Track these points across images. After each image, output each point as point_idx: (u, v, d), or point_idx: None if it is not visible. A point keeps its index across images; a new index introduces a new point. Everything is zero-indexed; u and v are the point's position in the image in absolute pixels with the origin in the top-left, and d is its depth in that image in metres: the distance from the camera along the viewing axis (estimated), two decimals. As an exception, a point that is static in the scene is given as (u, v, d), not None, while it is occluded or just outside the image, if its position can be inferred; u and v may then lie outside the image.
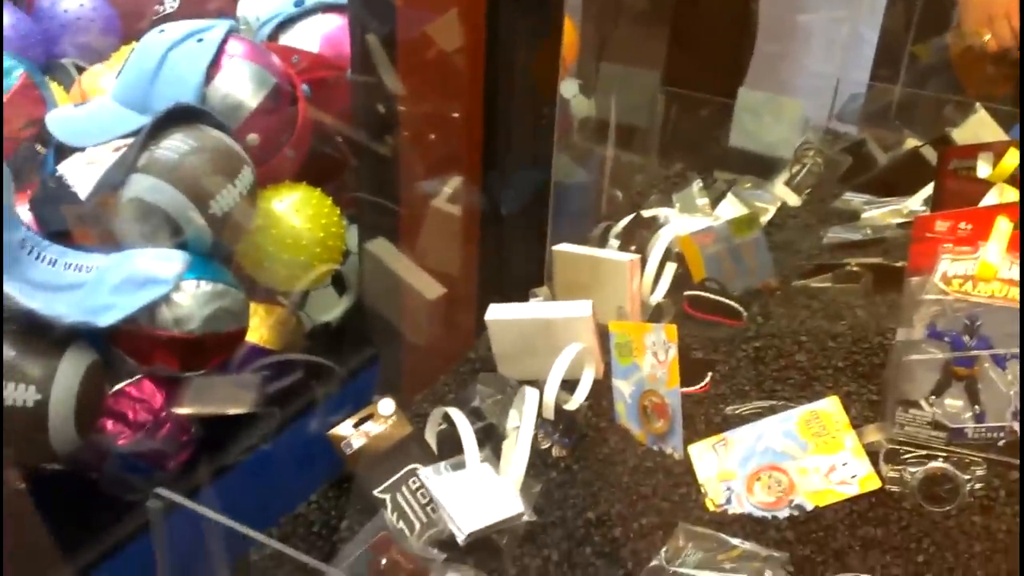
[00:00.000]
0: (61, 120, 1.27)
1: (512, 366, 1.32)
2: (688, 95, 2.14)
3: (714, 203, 1.84)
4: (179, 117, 1.18)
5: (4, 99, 1.27)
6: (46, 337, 1.03)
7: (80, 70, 1.55)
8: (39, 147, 1.32)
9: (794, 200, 1.85)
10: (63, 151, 1.26)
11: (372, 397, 1.21)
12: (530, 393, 1.19)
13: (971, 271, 0.96)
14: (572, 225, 1.72)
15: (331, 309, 1.45)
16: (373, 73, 1.47)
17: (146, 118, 1.23)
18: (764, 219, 1.77)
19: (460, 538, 1.03)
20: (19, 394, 0.99)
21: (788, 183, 1.88)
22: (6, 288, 0.99)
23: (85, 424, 1.05)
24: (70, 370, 1.02)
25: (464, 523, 1.04)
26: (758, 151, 2.08)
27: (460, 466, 1.14)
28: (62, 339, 1.04)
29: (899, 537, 0.95)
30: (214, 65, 1.25)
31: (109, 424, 1.13)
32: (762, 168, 1.98)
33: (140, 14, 1.69)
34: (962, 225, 0.98)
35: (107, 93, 1.31)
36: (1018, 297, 0.94)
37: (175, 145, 1.15)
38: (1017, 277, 0.94)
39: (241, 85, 1.27)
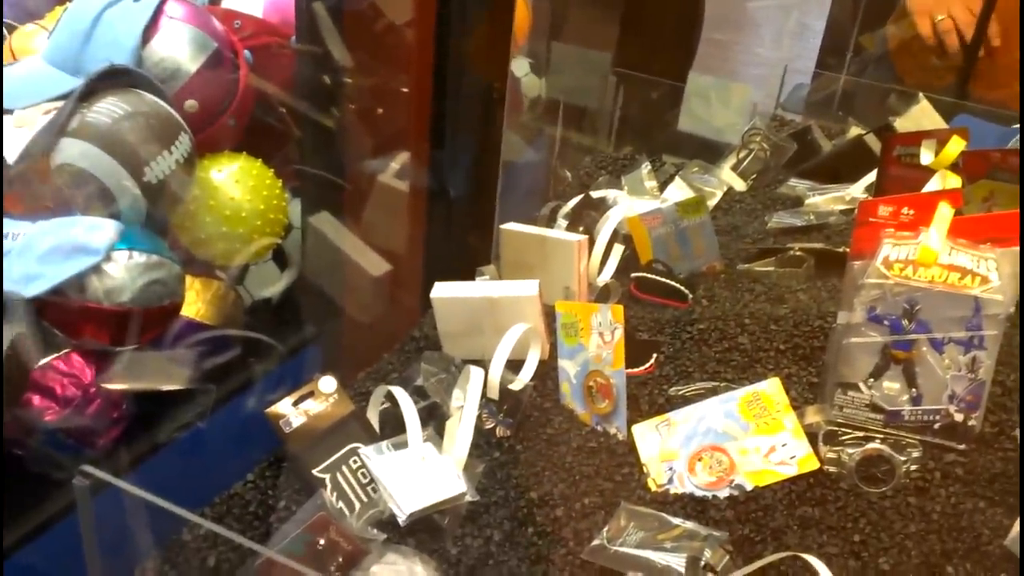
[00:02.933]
0: (-13, 80, 1.20)
1: (457, 345, 1.31)
2: (639, 77, 2.14)
3: (662, 186, 1.85)
4: (113, 80, 1.13)
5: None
6: (-33, 306, 0.98)
7: (11, 30, 1.48)
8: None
9: (740, 185, 1.87)
10: (-11, 113, 1.20)
11: (313, 375, 1.19)
12: (475, 372, 1.18)
13: (912, 256, 0.97)
14: (520, 204, 1.71)
15: (272, 284, 1.42)
16: (319, 42, 1.43)
17: (78, 80, 1.17)
18: (711, 203, 1.78)
19: (401, 519, 1.01)
20: (-64, 366, 0.94)
21: (735, 168, 1.90)
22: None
23: (9, 398, 1.01)
24: (-8, 341, 0.98)
25: (405, 503, 1.02)
26: (706, 136, 2.10)
27: (402, 445, 1.12)
28: (-15, 309, 0.99)
29: (836, 517, 0.96)
30: (151, 27, 1.20)
31: (36, 399, 1.08)
32: (710, 153, 1.99)
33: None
34: (905, 210, 0.99)
35: (38, 53, 1.25)
36: (956, 282, 0.95)
37: (108, 109, 1.11)
38: (957, 263, 0.95)
39: (179, 48, 1.23)
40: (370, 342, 1.36)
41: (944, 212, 0.96)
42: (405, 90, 1.46)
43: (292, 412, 1.13)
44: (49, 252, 1.04)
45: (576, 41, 2.20)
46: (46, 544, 1.05)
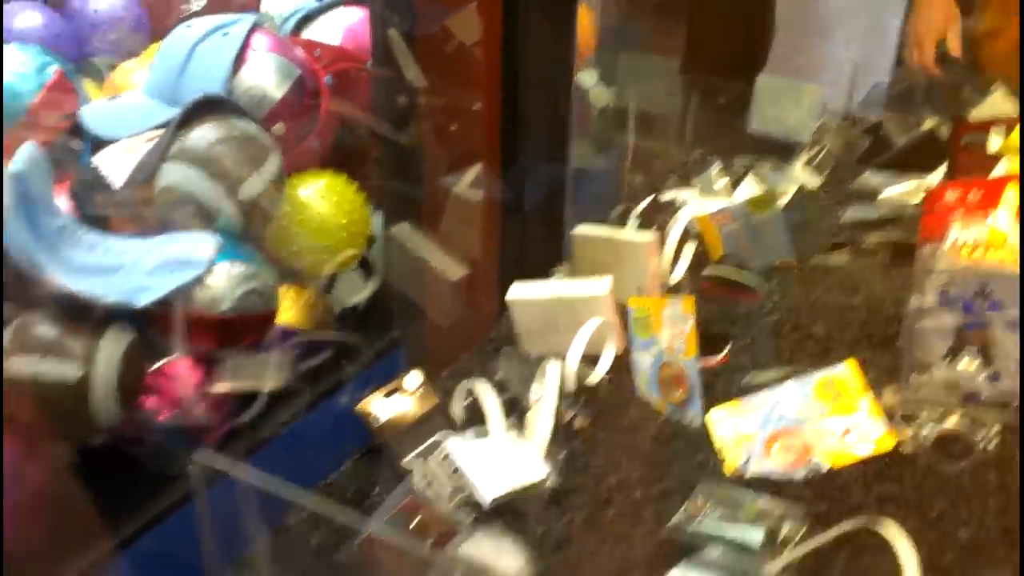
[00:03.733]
0: (95, 113, 1.32)
1: (534, 343, 1.36)
2: (707, 81, 2.16)
3: (733, 185, 1.86)
4: (207, 108, 1.23)
5: (40, 96, 1.32)
6: (87, 317, 1.08)
7: (111, 67, 1.61)
8: (74, 141, 1.37)
9: (813, 181, 1.87)
10: (99, 143, 1.31)
11: (398, 375, 1.26)
12: (552, 366, 1.23)
13: (981, 238, 0.97)
14: (592, 210, 1.75)
15: (357, 292, 1.49)
16: (393, 66, 1.51)
17: (175, 110, 1.28)
18: (783, 201, 1.79)
19: (485, 502, 1.06)
20: (62, 369, 1.04)
21: (807, 164, 1.90)
22: (50, 271, 1.05)
23: (126, 399, 1.10)
24: (111, 347, 1.07)
25: (487, 489, 1.07)
26: (777, 135, 2.10)
27: (485, 435, 1.17)
28: (103, 319, 1.09)
29: (914, 493, 0.97)
30: (239, 58, 1.30)
31: (149, 401, 1.18)
32: (781, 152, 2.00)
33: (168, 12, 1.75)
34: (972, 194, 0.99)
35: (138, 87, 1.36)
36: (1028, 260, 0.95)
37: (204, 135, 1.20)
38: (1026, 240, 0.96)
39: (266, 77, 1.32)
40: (451, 343, 1.43)
41: (1012, 195, 0.96)
42: (476, 106, 1.53)
43: (381, 407, 1.20)
44: (157, 266, 1.13)
45: (642, 49, 2.24)
46: (162, 533, 1.13)
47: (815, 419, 1.08)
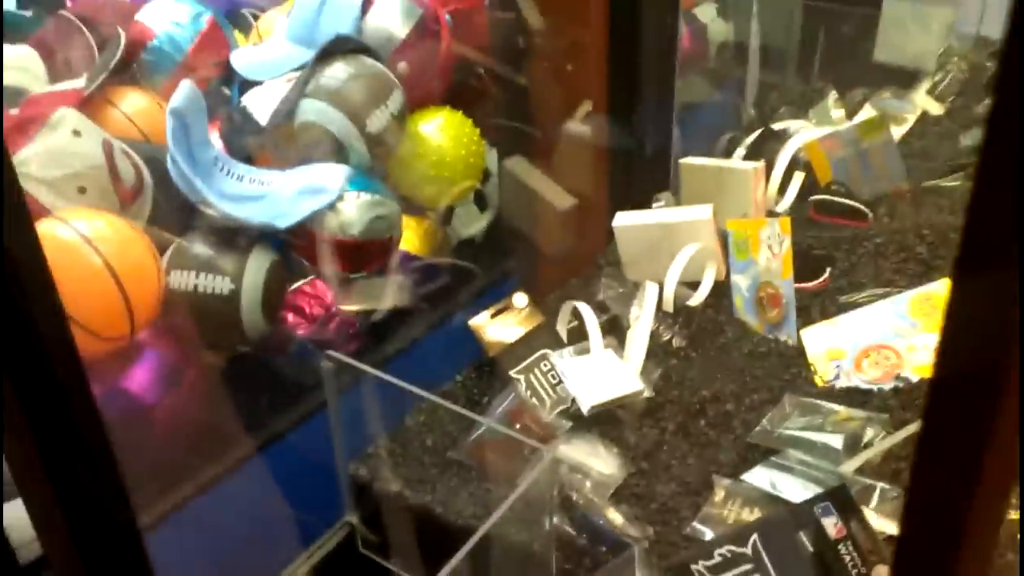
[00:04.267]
0: (243, 58, 1.46)
1: (638, 269, 1.42)
2: (830, 9, 2.11)
3: (851, 115, 1.84)
4: (340, 48, 1.35)
5: (196, 42, 1.47)
6: (235, 238, 1.23)
7: (256, 16, 1.75)
8: (224, 87, 1.52)
9: (936, 109, 1.83)
10: (246, 85, 1.46)
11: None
12: (650, 286, 1.29)
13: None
14: (705, 143, 1.78)
15: (474, 224, 1.60)
16: (509, 5, 1.59)
17: (312, 52, 1.41)
18: (903, 128, 1.76)
19: (584, 410, 1.15)
20: (216, 283, 1.19)
21: (930, 92, 1.85)
22: (205, 197, 1.20)
23: (271, 312, 1.25)
24: (257, 264, 1.22)
25: (587, 398, 1.16)
26: (903, 64, 2.04)
27: (586, 351, 1.26)
28: (248, 241, 1.23)
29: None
30: (367, 1, 1.41)
31: (290, 316, 1.33)
32: (907, 81, 1.95)
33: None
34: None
35: (280, 34, 1.50)
36: None
37: (336, 73, 1.32)
38: None
39: (391, 17, 1.42)
40: (561, 269, 1.51)
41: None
42: (587, 43, 1.58)
43: (491, 324, 1.31)
44: (296, 194, 1.27)
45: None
46: (298, 435, 1.28)
47: (908, 334, 1.11)
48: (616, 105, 1.55)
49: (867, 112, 1.81)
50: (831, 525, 0.79)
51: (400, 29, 1.44)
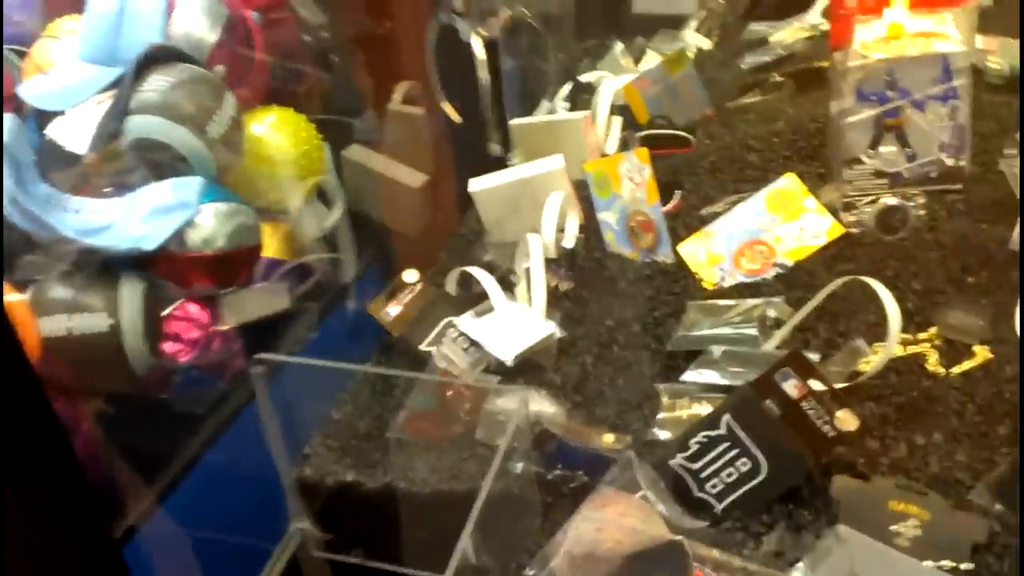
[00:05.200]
0: (35, 90, 1.32)
1: (501, 230, 1.47)
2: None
3: (636, 62, 1.99)
4: (152, 59, 1.26)
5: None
6: (100, 271, 1.12)
7: (17, 53, 1.59)
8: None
9: (706, 43, 2.02)
10: (42, 117, 1.32)
11: (383, 285, 1.35)
12: (532, 237, 1.34)
13: (883, 33, 1.13)
14: (519, 106, 1.85)
15: (323, 219, 1.56)
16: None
17: (118, 69, 1.30)
18: (687, 63, 1.93)
19: (508, 361, 1.18)
20: (93, 322, 1.09)
21: (698, 29, 2.05)
22: (62, 230, 1.09)
23: (154, 342, 1.15)
24: (130, 293, 1.12)
25: (508, 350, 1.19)
26: (659, 11, 2.24)
27: (485, 312, 1.28)
28: (114, 271, 1.13)
29: (868, 264, 1.14)
30: (169, 4, 1.32)
31: (167, 346, 1.23)
32: (669, 26, 2.14)
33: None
34: (868, -2, 1.15)
35: (70, 57, 1.37)
36: (924, 46, 1.12)
37: (160, 83, 1.23)
38: (922, 28, 1.11)
39: (198, 21, 1.34)
40: (423, 246, 1.52)
41: (901, -12, 1.12)
42: (399, 24, 1.59)
43: (388, 305, 1.30)
44: (150, 214, 1.18)
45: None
46: (216, 457, 1.20)
47: (771, 227, 1.24)
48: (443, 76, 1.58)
49: (651, 56, 1.97)
50: (792, 387, 0.88)
51: (209, 33, 1.37)
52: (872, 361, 1.00)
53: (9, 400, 0.61)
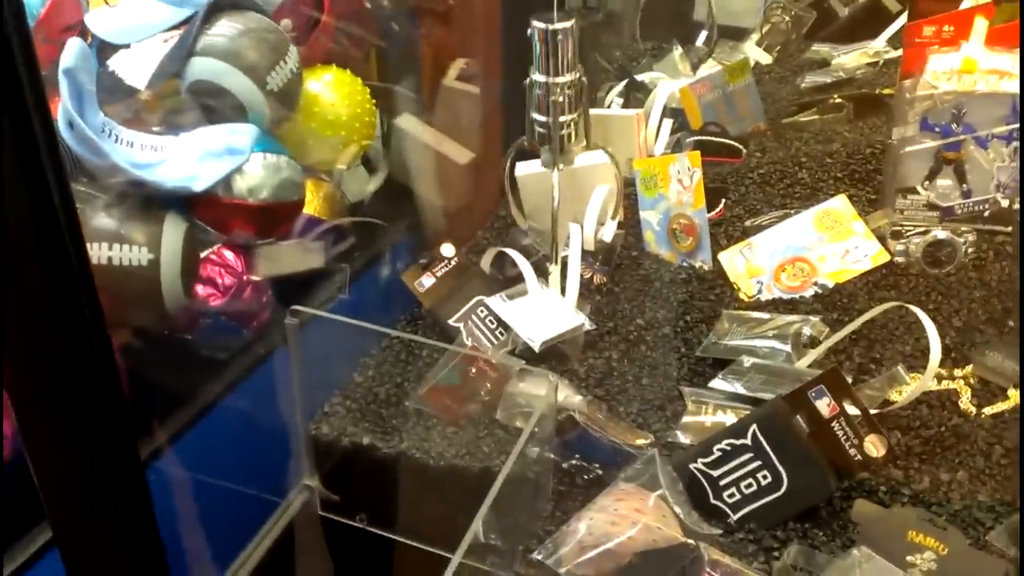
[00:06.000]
0: (102, 21, 1.33)
1: (542, 217, 1.46)
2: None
3: (694, 68, 1.98)
4: (225, 5, 1.27)
5: (47, 8, 1.33)
6: (144, 205, 1.13)
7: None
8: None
9: (766, 58, 2.00)
10: (105, 48, 1.33)
11: (421, 254, 1.35)
12: (573, 226, 1.33)
13: (956, 66, 1.11)
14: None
15: (364, 185, 1.56)
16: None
17: (186, 11, 1.31)
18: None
19: (536, 347, 1.18)
20: (133, 254, 1.10)
21: (759, 43, 2.03)
22: (115, 158, 1.09)
23: (189, 282, 1.16)
24: (173, 232, 1.13)
25: (536, 335, 1.19)
26: (724, 22, 2.22)
27: (517, 295, 1.28)
28: (158, 207, 1.14)
29: (910, 294, 1.13)
30: (245, -44, 1.33)
31: (200, 289, 1.24)
32: (729, 37, 2.12)
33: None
34: (946, 28, 1.13)
35: (141, -8, 1.38)
36: (996, 84, 1.10)
37: (227, 30, 1.24)
38: (996, 66, 1.10)
39: (272, -28, 1.35)
40: (463, 223, 1.52)
41: (980, 24, 1.10)
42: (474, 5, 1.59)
43: (423, 276, 1.30)
44: (203, 156, 1.18)
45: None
46: (233, 405, 1.21)
47: (816, 246, 1.22)
48: (506, 60, 1.57)
49: (710, 64, 1.96)
50: (824, 406, 0.87)
51: (280, -16, 1.38)
52: (905, 391, 0.99)
53: (62, 309, 0.61)
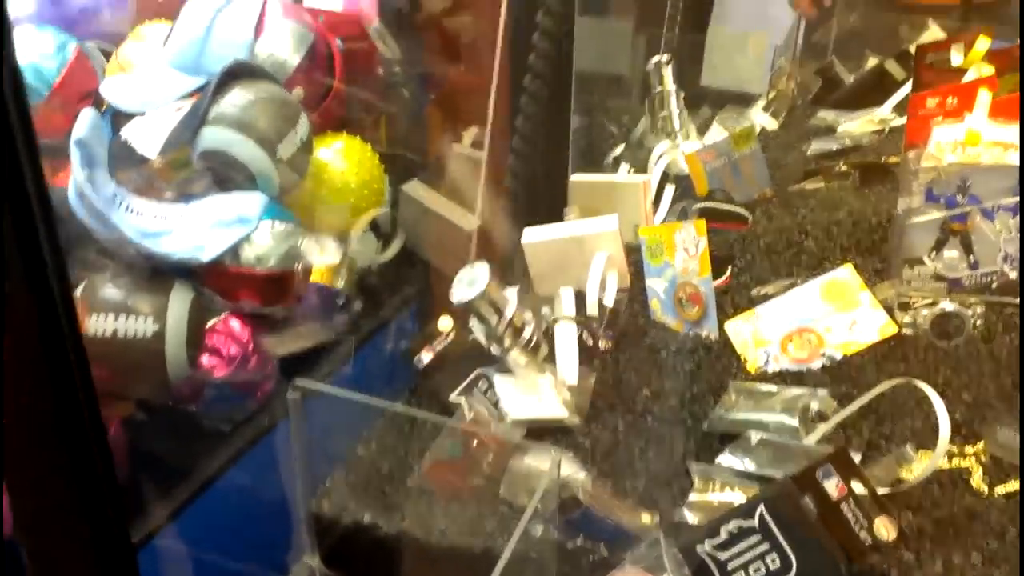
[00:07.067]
0: (117, 89, 1.36)
1: (546, 284, 1.46)
2: (658, 36, 2.28)
3: (701, 132, 2.00)
4: (235, 74, 1.29)
5: (63, 74, 1.36)
6: (152, 276, 1.14)
7: (104, 52, 1.63)
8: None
9: (772, 124, 2.02)
10: (119, 116, 1.36)
11: (425, 321, 1.35)
12: (565, 291, 1.33)
13: (960, 138, 1.12)
14: (579, 161, 1.86)
15: (372, 251, 1.57)
16: (400, 31, 1.59)
17: (200, 79, 1.33)
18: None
19: (507, 420, 1.16)
20: (138, 326, 1.10)
21: (765, 109, 2.05)
22: (123, 230, 1.10)
23: (194, 353, 1.16)
24: (179, 302, 1.13)
25: (512, 410, 1.17)
26: (726, 86, 2.25)
27: (518, 366, 1.27)
28: (165, 277, 1.15)
29: (919, 368, 1.12)
30: (257, 24, 1.36)
31: (205, 359, 1.24)
32: (734, 103, 2.15)
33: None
34: (949, 100, 1.14)
35: (155, 61, 1.40)
36: (1001, 156, 1.10)
37: (238, 98, 1.26)
38: (1000, 139, 1.10)
39: (284, 43, 1.38)
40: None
41: (984, 96, 1.11)
42: (479, 67, 1.61)
43: (422, 351, 1.29)
44: (212, 225, 1.19)
45: (600, 14, 2.35)
46: (232, 480, 1.20)
47: (823, 317, 1.22)
48: (515, 127, 1.59)
49: (716, 129, 1.98)
50: (833, 486, 0.86)
51: (292, 56, 1.40)
52: (915, 469, 0.97)
53: (57, 392, 0.62)
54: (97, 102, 1.38)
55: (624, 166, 1.74)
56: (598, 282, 1.35)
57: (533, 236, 1.47)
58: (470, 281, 1.17)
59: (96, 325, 1.09)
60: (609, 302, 1.38)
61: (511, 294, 1.18)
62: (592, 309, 1.34)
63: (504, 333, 1.16)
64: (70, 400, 0.59)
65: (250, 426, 1.23)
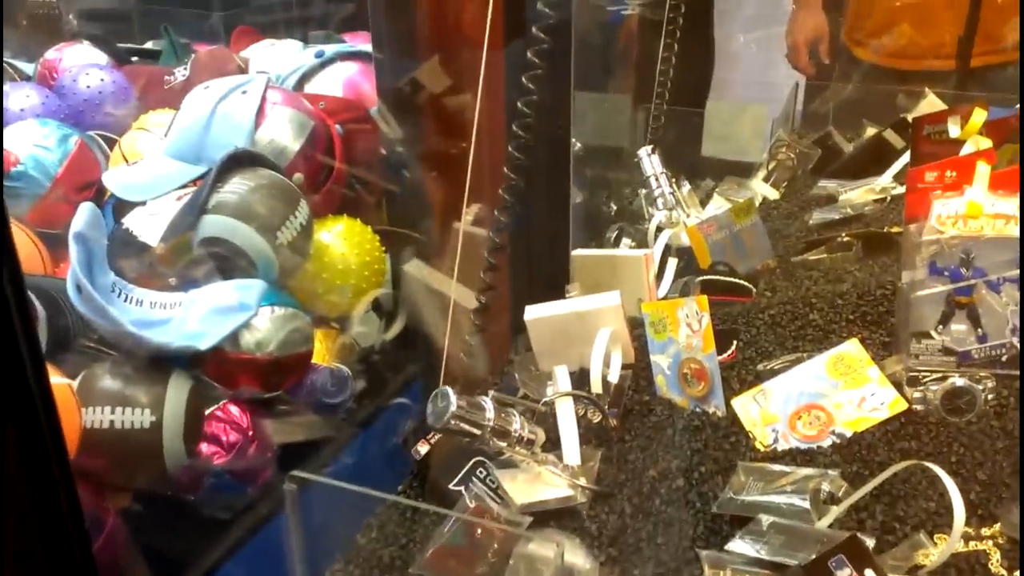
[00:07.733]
0: (119, 179, 1.38)
1: (551, 360, 1.44)
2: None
3: (703, 203, 2.01)
4: (235, 163, 1.30)
5: (65, 166, 1.37)
6: (150, 366, 1.13)
7: (107, 141, 1.66)
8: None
9: (773, 194, 2.03)
10: (121, 205, 1.37)
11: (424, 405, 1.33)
12: (560, 370, 1.32)
13: (961, 211, 1.11)
14: (580, 236, 1.86)
15: (375, 332, 1.56)
16: (398, 113, 1.61)
17: (200, 168, 1.35)
18: (754, 212, 1.94)
19: (513, 508, 1.13)
20: (136, 417, 1.09)
21: (766, 180, 2.06)
22: (121, 322, 1.10)
23: (192, 443, 1.15)
24: (177, 392, 1.12)
25: (516, 496, 1.14)
26: (726, 157, 2.27)
27: (523, 452, 1.25)
28: (163, 367, 1.14)
29: (931, 445, 1.09)
30: (259, 113, 1.38)
31: (204, 447, 1.22)
32: (733, 173, 2.16)
33: (153, 84, 1.82)
34: (948, 173, 1.13)
35: (157, 151, 1.42)
36: (1003, 228, 1.09)
37: (238, 186, 1.28)
38: (1001, 211, 1.10)
39: (283, 130, 1.40)
40: (471, 369, 1.51)
41: (983, 169, 1.11)
42: (480, 146, 1.62)
43: (418, 443, 1.27)
44: (210, 313, 1.19)
45: (598, 89, 2.38)
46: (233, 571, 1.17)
47: (831, 393, 1.19)
48: (516, 203, 1.59)
49: (716, 201, 1.98)
50: (845, 576, 0.83)
51: (293, 142, 1.42)
52: (931, 554, 0.94)
53: (39, 492, 0.60)
54: (100, 192, 1.40)
55: (626, 240, 1.73)
56: (601, 359, 1.34)
57: (536, 312, 1.46)
58: (437, 412, 1.13)
59: (93, 417, 1.08)
60: (614, 378, 1.36)
61: (487, 403, 1.16)
62: (596, 386, 1.32)
63: (490, 440, 1.14)
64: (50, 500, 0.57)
65: (250, 515, 1.20)
